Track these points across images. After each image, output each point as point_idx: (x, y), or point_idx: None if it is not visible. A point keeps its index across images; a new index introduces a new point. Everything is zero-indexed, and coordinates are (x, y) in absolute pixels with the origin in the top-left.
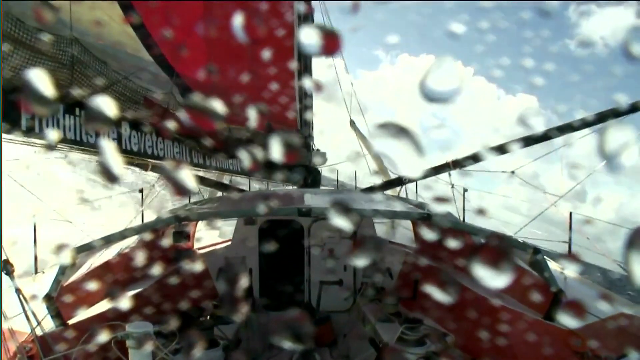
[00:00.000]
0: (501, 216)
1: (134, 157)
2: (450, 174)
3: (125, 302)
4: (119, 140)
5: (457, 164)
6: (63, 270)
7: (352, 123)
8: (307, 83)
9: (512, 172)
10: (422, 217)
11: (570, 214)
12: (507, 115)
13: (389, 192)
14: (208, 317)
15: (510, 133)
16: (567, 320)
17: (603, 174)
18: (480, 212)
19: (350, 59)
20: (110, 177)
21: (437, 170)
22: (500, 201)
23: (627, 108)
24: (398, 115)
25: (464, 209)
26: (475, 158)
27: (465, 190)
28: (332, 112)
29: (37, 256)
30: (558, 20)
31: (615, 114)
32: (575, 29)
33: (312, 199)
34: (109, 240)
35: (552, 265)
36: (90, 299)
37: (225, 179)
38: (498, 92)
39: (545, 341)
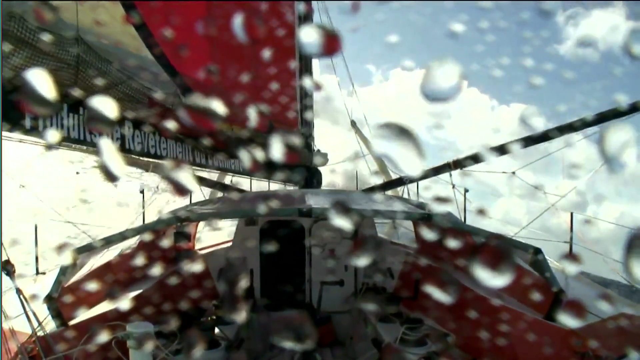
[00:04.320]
0: (501, 216)
1: (135, 157)
2: (451, 174)
3: (126, 303)
4: (121, 139)
5: (458, 164)
6: (64, 271)
7: (353, 123)
8: (307, 83)
9: (513, 172)
10: (423, 217)
11: (572, 214)
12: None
13: (389, 192)
14: (209, 318)
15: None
16: (567, 320)
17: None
18: (481, 212)
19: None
20: (110, 176)
21: (437, 170)
22: (500, 201)
23: (627, 108)
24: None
25: (464, 209)
26: (475, 158)
27: (466, 190)
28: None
29: (38, 257)
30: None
31: (615, 114)
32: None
33: (313, 200)
34: (109, 241)
35: (553, 265)
36: (91, 300)
37: (227, 179)
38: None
39: (545, 341)
